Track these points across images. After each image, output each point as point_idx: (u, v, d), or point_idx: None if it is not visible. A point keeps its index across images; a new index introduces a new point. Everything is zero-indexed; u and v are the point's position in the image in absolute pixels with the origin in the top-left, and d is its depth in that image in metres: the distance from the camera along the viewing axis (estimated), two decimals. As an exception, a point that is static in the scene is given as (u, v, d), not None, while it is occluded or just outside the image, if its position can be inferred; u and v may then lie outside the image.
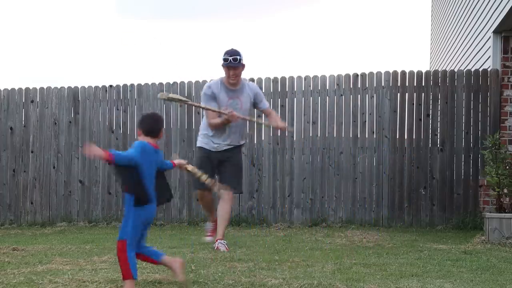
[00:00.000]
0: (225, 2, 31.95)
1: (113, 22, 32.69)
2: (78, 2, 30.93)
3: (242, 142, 6.44)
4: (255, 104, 6.30)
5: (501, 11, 7.13)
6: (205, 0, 30.51)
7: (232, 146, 6.24)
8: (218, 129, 6.09)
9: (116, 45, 31.44)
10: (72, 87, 9.54)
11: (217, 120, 6.02)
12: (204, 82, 9.07)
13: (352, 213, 8.47)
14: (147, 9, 32.08)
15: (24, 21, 30.58)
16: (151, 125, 4.07)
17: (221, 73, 6.16)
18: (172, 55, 30.66)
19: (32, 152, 9.48)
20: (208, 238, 6.45)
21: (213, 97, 6.02)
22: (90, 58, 30.15)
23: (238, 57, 5.97)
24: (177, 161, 4.42)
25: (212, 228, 6.46)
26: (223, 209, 6.08)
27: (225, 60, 5.96)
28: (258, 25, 33.14)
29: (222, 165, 6.21)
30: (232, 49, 6.02)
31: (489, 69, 8.14)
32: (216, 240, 5.96)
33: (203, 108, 6.17)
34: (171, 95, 6.32)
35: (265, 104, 6.39)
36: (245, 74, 8.99)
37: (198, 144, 6.32)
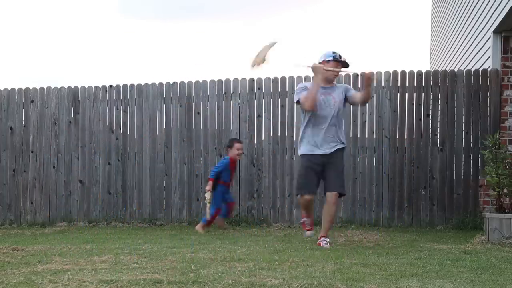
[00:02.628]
0: (226, 3, 31.97)
1: (114, 22, 32.71)
2: (80, 2, 30.94)
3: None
4: (347, 98, 6.32)
5: (501, 11, 7.13)
6: (207, 1, 30.52)
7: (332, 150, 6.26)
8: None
9: (116, 45, 31.45)
10: (72, 87, 9.54)
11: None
12: (204, 82, 9.09)
13: (352, 213, 8.47)
14: (149, 10, 32.10)
15: (24, 21, 30.58)
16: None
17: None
18: (172, 55, 30.69)
19: (32, 152, 9.48)
20: (309, 233, 6.67)
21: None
22: (90, 58, 30.16)
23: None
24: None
25: (311, 222, 6.63)
26: (326, 211, 6.29)
27: (334, 55, 6.22)
28: (258, 26, 33.16)
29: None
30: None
31: (489, 69, 8.14)
32: (320, 237, 6.21)
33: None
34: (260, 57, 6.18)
35: (353, 91, 6.42)
36: (245, 74, 9.06)
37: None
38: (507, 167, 6.87)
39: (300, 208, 6.77)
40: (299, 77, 8.74)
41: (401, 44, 32.61)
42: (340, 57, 6.25)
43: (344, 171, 6.45)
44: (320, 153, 6.18)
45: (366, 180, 8.46)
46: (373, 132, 8.49)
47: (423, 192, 8.31)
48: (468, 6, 9.42)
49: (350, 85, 8.60)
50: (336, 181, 6.20)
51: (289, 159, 8.69)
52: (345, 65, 6.25)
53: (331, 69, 6.15)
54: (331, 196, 6.18)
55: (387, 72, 8.52)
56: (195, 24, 33.30)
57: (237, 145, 7.95)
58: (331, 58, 6.22)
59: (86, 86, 9.50)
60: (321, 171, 6.22)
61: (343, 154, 6.41)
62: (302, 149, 6.30)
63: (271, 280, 4.11)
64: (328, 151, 6.20)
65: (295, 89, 8.69)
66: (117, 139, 9.28)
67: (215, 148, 8.94)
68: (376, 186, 8.42)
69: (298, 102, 6.25)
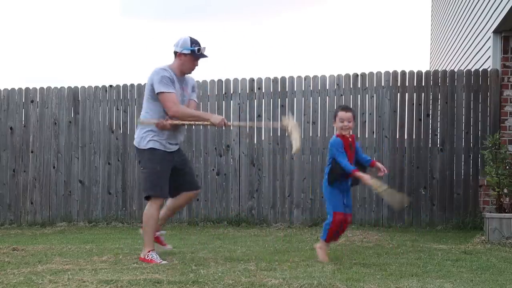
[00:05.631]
0: (228, 3, 31.98)
1: (115, 23, 32.73)
2: (81, 2, 30.95)
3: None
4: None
5: (501, 11, 7.13)
6: (208, 1, 30.53)
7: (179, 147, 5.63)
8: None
9: (117, 45, 31.46)
10: (72, 87, 9.54)
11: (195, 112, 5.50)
12: (204, 82, 9.08)
13: (352, 213, 8.45)
14: (150, 10, 32.11)
15: (25, 21, 30.59)
16: None
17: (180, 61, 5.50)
18: (172, 55, 30.65)
19: (32, 152, 9.48)
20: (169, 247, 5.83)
21: (173, 82, 5.39)
22: (90, 58, 30.16)
23: None
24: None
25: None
26: (178, 205, 5.77)
27: (198, 50, 5.42)
28: (258, 26, 33.17)
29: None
30: (197, 39, 5.49)
31: (489, 69, 8.14)
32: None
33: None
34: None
35: (195, 97, 5.73)
36: (245, 74, 9.05)
37: (151, 145, 5.39)
38: (507, 167, 6.87)
39: (149, 216, 5.38)
40: (299, 77, 8.74)
41: (401, 44, 32.64)
42: (199, 50, 5.42)
43: None
44: (173, 150, 5.46)
45: (366, 180, 8.44)
46: (373, 132, 8.48)
47: (423, 192, 8.30)
48: (468, 6, 9.42)
49: (350, 85, 8.60)
50: (195, 179, 5.88)
51: (289, 159, 8.69)
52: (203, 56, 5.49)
53: (176, 122, 5.36)
54: (196, 194, 5.82)
55: (387, 72, 8.52)
56: (197, 24, 33.32)
57: (340, 114, 5.25)
58: (189, 52, 5.40)
59: (86, 86, 9.50)
60: (171, 170, 5.46)
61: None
62: (151, 144, 5.37)
63: (271, 280, 4.11)
64: (176, 148, 5.52)
65: (294, 89, 8.74)
66: (117, 139, 9.28)
67: (215, 148, 8.93)
68: (376, 186, 8.40)
69: (160, 93, 5.34)
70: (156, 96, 5.38)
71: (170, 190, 5.47)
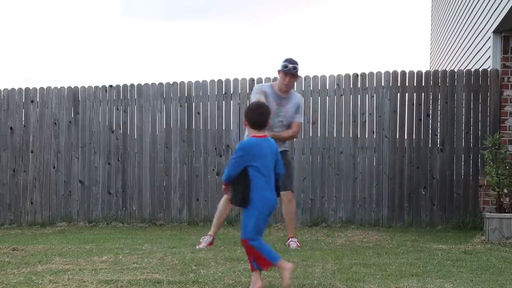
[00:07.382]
0: (228, 4, 31.99)
1: (115, 23, 32.74)
2: (82, 2, 30.96)
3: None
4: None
5: (501, 11, 7.13)
6: (209, 2, 30.55)
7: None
8: None
9: (117, 45, 31.46)
10: (72, 87, 9.54)
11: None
12: (204, 82, 9.09)
13: (352, 213, 8.47)
14: (151, 11, 32.13)
15: (25, 21, 30.59)
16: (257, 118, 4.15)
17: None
18: (172, 55, 30.69)
19: (32, 152, 9.48)
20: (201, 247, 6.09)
21: (265, 94, 6.16)
22: (90, 58, 30.16)
23: (297, 67, 6.21)
24: None
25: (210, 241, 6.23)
26: (287, 210, 6.40)
27: (285, 66, 6.14)
28: (259, 27, 33.18)
29: None
30: (292, 58, 6.21)
31: (489, 69, 8.14)
32: (288, 238, 6.26)
33: None
34: None
35: (299, 118, 6.42)
36: (245, 74, 9.06)
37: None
38: (507, 167, 6.87)
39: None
40: (299, 77, 8.72)
41: (401, 44, 32.64)
42: (286, 67, 6.12)
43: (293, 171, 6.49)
44: None
45: (366, 180, 8.46)
46: (373, 132, 8.49)
47: (423, 192, 8.31)
48: (468, 6, 9.42)
49: (350, 85, 8.60)
50: (287, 180, 6.00)
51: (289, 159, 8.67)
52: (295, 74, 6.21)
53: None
54: (286, 195, 6.23)
55: (387, 72, 8.52)
56: (197, 24, 33.34)
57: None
58: (280, 68, 6.18)
59: (86, 86, 9.50)
60: None
61: (288, 155, 6.62)
62: None
63: (271, 280, 4.11)
64: None
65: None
66: (117, 139, 9.28)
67: (215, 148, 8.93)
68: (376, 186, 8.42)
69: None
70: None
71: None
